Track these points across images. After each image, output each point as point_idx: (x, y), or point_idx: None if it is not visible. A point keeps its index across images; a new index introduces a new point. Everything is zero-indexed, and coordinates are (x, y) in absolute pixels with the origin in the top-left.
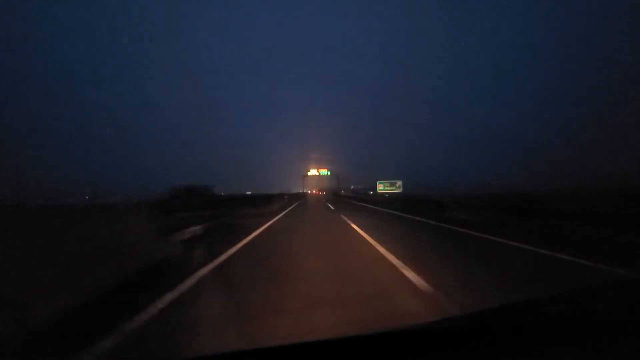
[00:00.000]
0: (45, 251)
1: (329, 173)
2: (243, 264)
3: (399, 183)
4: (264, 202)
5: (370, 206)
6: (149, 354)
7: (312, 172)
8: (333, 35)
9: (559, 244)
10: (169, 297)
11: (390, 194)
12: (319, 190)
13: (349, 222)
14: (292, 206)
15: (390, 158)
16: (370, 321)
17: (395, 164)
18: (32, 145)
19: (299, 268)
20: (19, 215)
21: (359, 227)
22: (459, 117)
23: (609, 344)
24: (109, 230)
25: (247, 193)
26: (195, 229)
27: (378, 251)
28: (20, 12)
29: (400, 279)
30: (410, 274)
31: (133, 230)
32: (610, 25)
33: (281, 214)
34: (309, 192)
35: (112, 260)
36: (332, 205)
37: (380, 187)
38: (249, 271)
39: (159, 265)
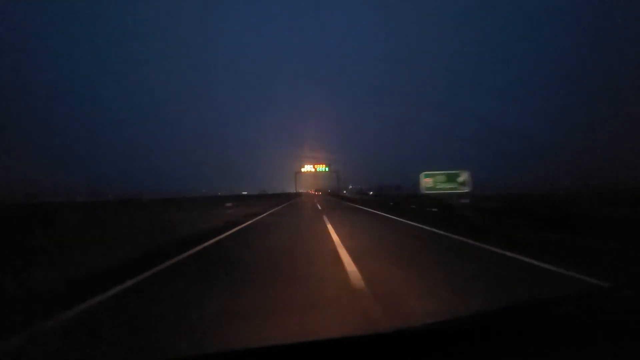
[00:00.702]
0: None
1: (327, 169)
2: None
3: (465, 177)
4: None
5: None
6: None
7: (307, 168)
8: (334, 30)
9: None
10: None
11: (450, 194)
12: (315, 191)
13: None
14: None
15: (390, 157)
16: None
17: (395, 163)
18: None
19: None
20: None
21: None
22: (462, 115)
23: (613, 346)
24: None
25: (243, 193)
26: None
27: None
28: (19, 9)
29: None
30: None
31: None
32: (620, 22)
33: None
34: (306, 192)
35: None
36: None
37: (428, 183)
38: None
39: None
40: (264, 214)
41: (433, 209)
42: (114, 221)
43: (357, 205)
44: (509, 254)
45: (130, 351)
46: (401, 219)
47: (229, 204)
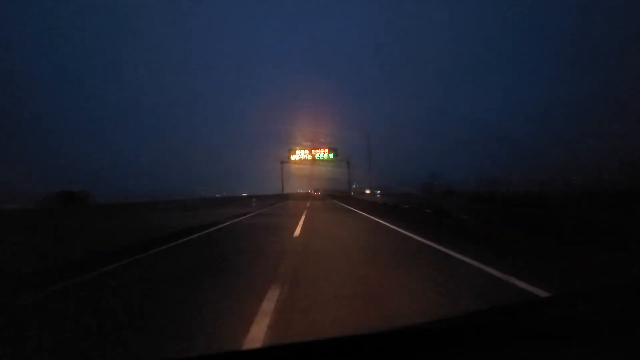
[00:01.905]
0: None
1: (332, 156)
2: None
3: None
4: None
5: None
6: None
7: (301, 154)
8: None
9: None
10: None
11: None
12: (314, 190)
13: None
14: None
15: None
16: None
17: (392, 163)
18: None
19: None
20: None
21: None
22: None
23: (604, 346)
24: None
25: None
26: None
27: None
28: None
29: None
30: None
31: None
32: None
33: None
34: (305, 192)
35: None
36: None
37: None
38: None
39: None
40: None
41: None
42: None
43: None
44: None
45: None
46: None
47: None
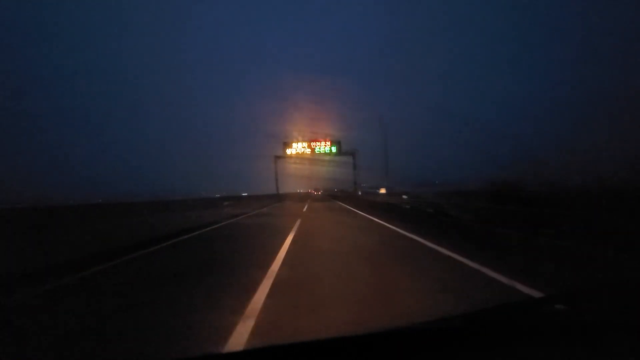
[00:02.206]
0: None
1: (334, 150)
2: None
3: None
4: None
5: None
6: None
7: (298, 147)
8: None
9: None
10: None
11: None
12: (315, 190)
13: None
14: None
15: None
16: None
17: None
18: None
19: None
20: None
21: None
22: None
23: (603, 345)
24: None
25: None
26: None
27: None
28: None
29: None
30: None
31: None
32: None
33: None
34: (306, 192)
35: None
36: None
37: None
38: None
39: None
40: None
41: None
42: None
43: None
44: None
45: None
46: None
47: None
